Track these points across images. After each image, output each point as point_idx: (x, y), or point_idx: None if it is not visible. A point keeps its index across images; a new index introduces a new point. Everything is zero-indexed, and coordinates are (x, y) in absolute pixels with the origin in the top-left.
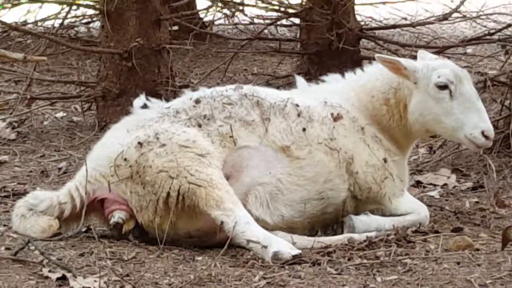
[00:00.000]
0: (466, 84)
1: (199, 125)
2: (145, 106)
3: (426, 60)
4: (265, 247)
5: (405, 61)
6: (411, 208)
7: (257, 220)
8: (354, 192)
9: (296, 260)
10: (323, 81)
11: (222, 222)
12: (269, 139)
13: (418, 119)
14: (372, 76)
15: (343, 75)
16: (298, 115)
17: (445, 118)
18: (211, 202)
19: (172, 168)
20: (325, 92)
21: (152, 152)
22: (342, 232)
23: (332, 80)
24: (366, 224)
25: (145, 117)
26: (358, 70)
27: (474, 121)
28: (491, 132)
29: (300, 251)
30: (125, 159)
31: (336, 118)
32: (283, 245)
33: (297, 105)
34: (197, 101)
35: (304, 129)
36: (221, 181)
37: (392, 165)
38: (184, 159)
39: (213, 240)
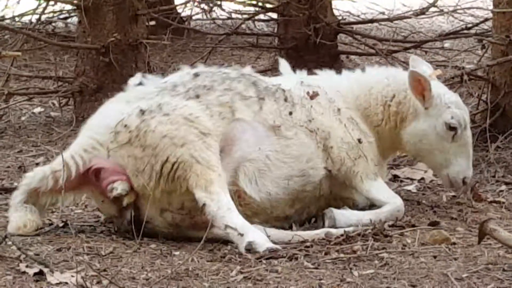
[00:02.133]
0: (468, 130)
1: (197, 96)
2: (140, 84)
3: (437, 89)
4: (241, 235)
5: (433, 86)
6: (385, 197)
7: (246, 195)
8: (328, 166)
9: (273, 254)
10: (314, 73)
11: (204, 204)
12: (261, 116)
13: (416, 143)
14: (375, 77)
15: (340, 72)
16: (285, 99)
17: (439, 154)
18: (201, 182)
19: (177, 137)
20: (310, 78)
21: (155, 120)
22: (323, 225)
23: (324, 74)
24: (346, 217)
25: (143, 91)
26: (357, 70)
27: (461, 166)
28: (470, 179)
29: (277, 246)
30: (125, 126)
31: (312, 96)
32: (259, 236)
33: (284, 90)
34: (196, 74)
35: (290, 113)
36: (217, 165)
37: (367, 147)
38: (189, 133)
39: (194, 219)
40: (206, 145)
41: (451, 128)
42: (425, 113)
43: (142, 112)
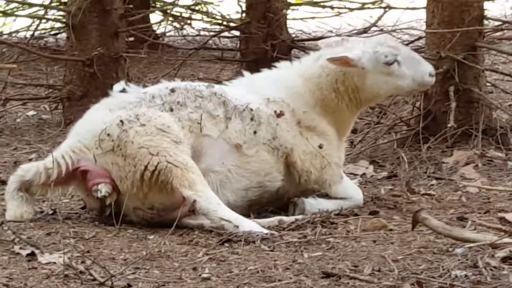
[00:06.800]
0: (402, 49)
1: (171, 110)
2: (123, 91)
3: (358, 49)
4: (237, 226)
5: (351, 54)
6: (349, 194)
7: None
8: (294, 180)
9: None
10: (275, 66)
11: (194, 201)
12: (226, 135)
13: (379, 94)
14: (315, 72)
15: (291, 63)
16: (251, 119)
17: (402, 82)
18: (185, 183)
19: (152, 147)
20: (272, 81)
21: (133, 130)
22: (293, 213)
23: (284, 66)
24: (313, 206)
25: (125, 100)
26: (298, 62)
27: (421, 69)
28: (433, 69)
29: (272, 232)
30: (108, 134)
31: (279, 115)
32: (254, 225)
33: (251, 110)
34: (173, 90)
35: (255, 132)
36: (195, 167)
37: (329, 151)
38: (162, 141)
39: (170, 215)
40: (180, 151)
41: (391, 63)
42: (366, 70)
43: (122, 122)
